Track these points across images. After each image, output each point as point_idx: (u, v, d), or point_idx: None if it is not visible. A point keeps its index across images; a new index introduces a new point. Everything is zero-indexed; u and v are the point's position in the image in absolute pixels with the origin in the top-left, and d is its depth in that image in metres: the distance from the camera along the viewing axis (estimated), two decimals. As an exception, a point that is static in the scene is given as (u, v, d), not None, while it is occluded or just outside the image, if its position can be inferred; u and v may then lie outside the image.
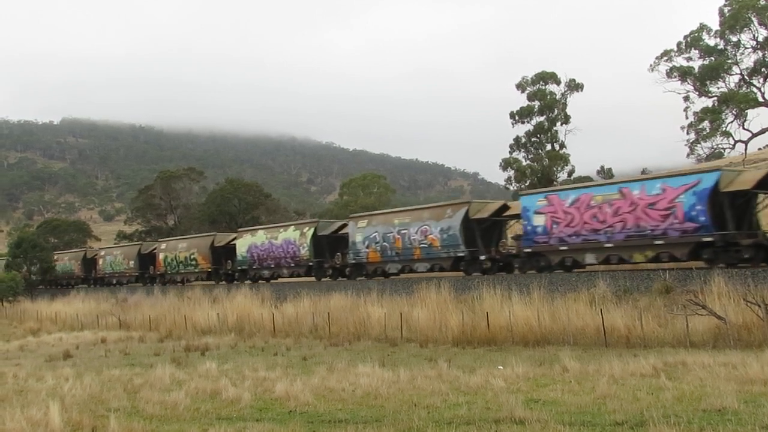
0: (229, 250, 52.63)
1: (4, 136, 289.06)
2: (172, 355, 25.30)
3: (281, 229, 48.03)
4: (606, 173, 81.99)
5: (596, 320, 23.17)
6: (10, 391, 17.51)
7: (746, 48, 57.67)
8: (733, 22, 56.38)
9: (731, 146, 58.99)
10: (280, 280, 48.25)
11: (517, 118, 67.56)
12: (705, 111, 58.37)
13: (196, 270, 54.86)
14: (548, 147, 67.29)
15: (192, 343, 29.06)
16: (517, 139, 67.98)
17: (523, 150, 68.13)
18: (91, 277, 68.50)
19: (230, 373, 19.05)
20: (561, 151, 66.79)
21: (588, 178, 68.22)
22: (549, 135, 67.01)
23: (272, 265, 47.80)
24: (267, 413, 13.37)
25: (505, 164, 67.91)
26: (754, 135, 58.20)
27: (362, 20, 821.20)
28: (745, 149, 58.21)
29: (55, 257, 72.83)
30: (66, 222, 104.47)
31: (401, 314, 28.36)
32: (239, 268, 50.50)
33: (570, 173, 67.03)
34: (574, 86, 66.95)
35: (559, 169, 66.50)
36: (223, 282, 51.95)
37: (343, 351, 24.72)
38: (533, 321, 24.58)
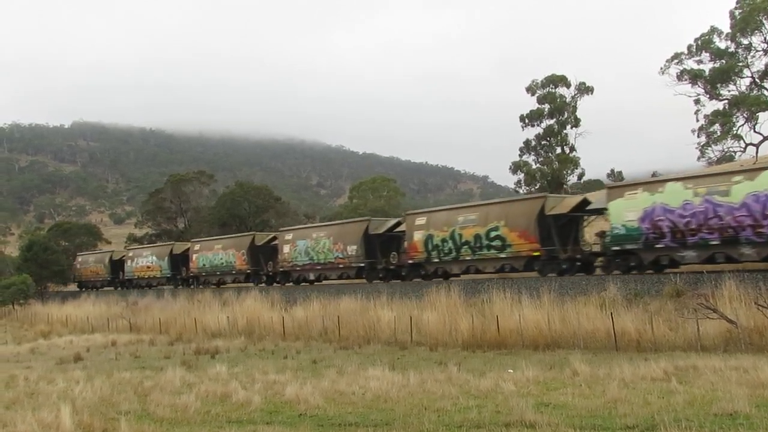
0: (569, 222, 33.75)
1: (16, 139, 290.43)
2: (183, 358, 25.39)
3: (737, 177, 27.24)
4: (616, 176, 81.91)
5: (607, 324, 23.12)
6: (21, 393, 17.59)
7: (757, 51, 57.48)
8: (744, 24, 56.18)
9: (742, 149, 58.83)
10: (729, 266, 27.24)
11: (527, 121, 67.53)
12: (716, 114, 58.22)
13: (502, 255, 34.31)
14: (558, 150, 67.20)
15: (202, 346, 29.15)
16: (527, 142, 67.97)
17: (533, 153, 68.10)
18: (264, 272, 50.91)
19: (240, 376, 19.08)
20: (571, 155, 66.70)
21: (598, 182, 68.12)
22: (559, 138, 66.91)
23: (714, 241, 27.38)
24: (277, 416, 13.39)
25: (515, 167, 67.88)
26: (765, 138, 57.91)
27: (368, 24, 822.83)
28: (756, 152, 57.91)
29: (197, 247, 57.07)
30: (77, 225, 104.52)
31: (411, 317, 28.38)
32: (614, 248, 30.42)
33: (580, 176, 66.99)
34: (584, 89, 66.88)
35: (569, 172, 66.40)
36: (557, 273, 32.35)
37: (353, 354, 24.75)
38: (543, 324, 24.56)
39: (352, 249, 42.53)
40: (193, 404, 14.50)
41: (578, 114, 66.95)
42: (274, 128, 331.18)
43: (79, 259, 73.37)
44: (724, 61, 58.18)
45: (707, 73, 59.09)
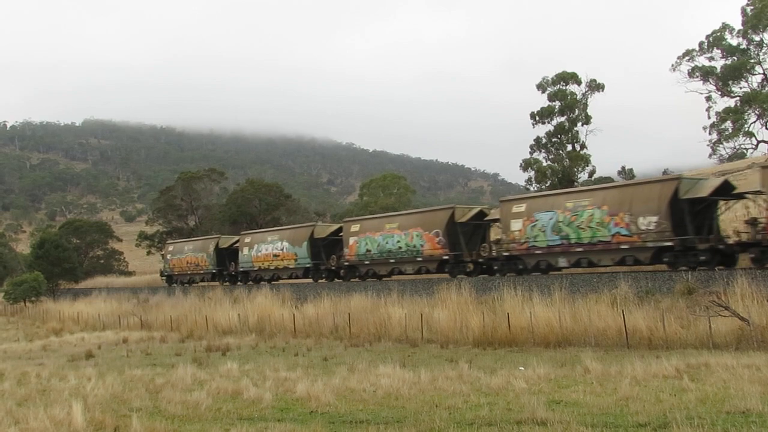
0: None
1: (27, 137, 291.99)
2: (194, 356, 25.42)
3: None
4: (627, 174, 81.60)
5: (618, 321, 23.04)
6: (33, 390, 17.64)
7: (769, 47, 57.22)
8: (755, 21, 55.91)
9: (754, 146, 58.60)
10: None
11: (537, 118, 67.26)
12: (727, 111, 57.99)
13: None
14: (569, 147, 66.94)
15: (213, 343, 29.18)
16: (537, 140, 67.71)
17: (543, 150, 67.84)
18: (470, 259, 38.19)
19: (251, 373, 19.10)
20: (582, 152, 66.43)
21: (609, 179, 67.86)
22: (570, 135, 66.66)
23: None
24: (288, 413, 13.38)
25: (526, 165, 67.65)
26: (778, 135, 57.72)
27: (373, 26, 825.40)
28: (769, 149, 57.74)
29: (355, 227, 44.15)
30: (88, 223, 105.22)
31: (422, 315, 28.33)
32: None
33: (591, 174, 66.69)
34: (595, 86, 66.58)
35: (580, 169, 66.14)
36: None
37: (364, 352, 24.72)
38: (554, 322, 24.47)
39: (647, 222, 29.97)
40: (205, 401, 14.52)
41: (588, 111, 66.72)
42: (284, 126, 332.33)
43: (170, 248, 63.55)
44: (735, 58, 57.91)
45: (719, 70, 58.86)
